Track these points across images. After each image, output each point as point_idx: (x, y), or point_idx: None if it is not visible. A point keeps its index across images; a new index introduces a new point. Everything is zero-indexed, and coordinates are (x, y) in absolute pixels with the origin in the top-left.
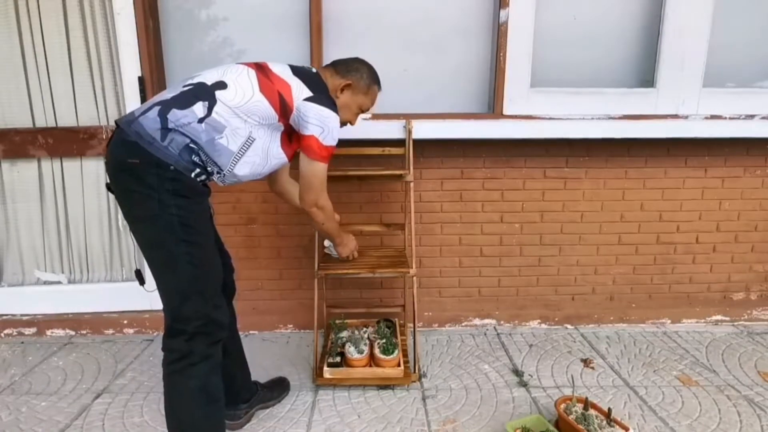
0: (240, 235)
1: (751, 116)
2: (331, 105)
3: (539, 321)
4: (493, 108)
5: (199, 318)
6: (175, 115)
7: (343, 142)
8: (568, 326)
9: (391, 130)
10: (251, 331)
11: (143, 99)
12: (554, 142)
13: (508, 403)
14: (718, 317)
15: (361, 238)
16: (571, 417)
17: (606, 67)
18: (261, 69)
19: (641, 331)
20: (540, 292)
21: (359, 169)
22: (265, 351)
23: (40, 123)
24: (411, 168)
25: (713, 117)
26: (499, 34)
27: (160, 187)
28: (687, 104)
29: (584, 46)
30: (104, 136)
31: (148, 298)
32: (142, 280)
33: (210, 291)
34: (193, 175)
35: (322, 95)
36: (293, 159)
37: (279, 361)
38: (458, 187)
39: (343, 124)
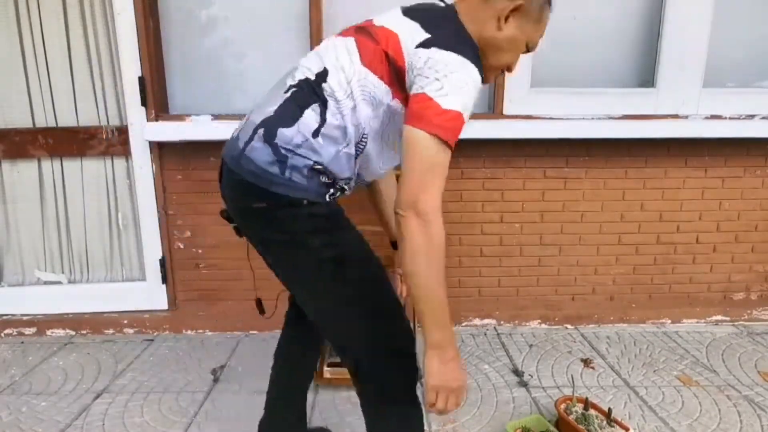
0: None
1: (751, 116)
2: (462, 46)
3: (539, 321)
4: (493, 108)
5: (400, 354)
6: (284, 137)
7: None
8: (568, 326)
9: None
10: (251, 331)
11: (143, 99)
12: (554, 142)
13: (508, 403)
14: (719, 317)
15: None
16: (572, 417)
17: (606, 67)
18: (362, 30)
19: (641, 331)
20: (540, 292)
21: None
22: (265, 351)
23: (40, 123)
24: None
25: (713, 117)
26: None
27: (300, 231)
28: (687, 104)
29: (584, 46)
30: (104, 137)
31: (148, 297)
32: (262, 310)
33: (402, 319)
34: (327, 198)
35: (445, 32)
36: None
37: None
38: (458, 187)
39: (491, 73)
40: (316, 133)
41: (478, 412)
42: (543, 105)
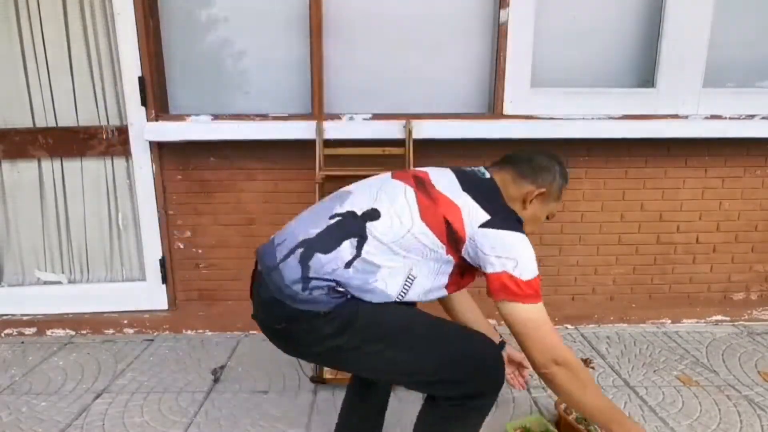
0: (240, 235)
1: (751, 116)
2: (515, 224)
3: None
4: (493, 108)
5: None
6: (319, 262)
7: (343, 143)
8: (568, 326)
9: (391, 130)
10: (251, 331)
11: (143, 99)
12: (554, 142)
13: (508, 403)
14: (718, 317)
15: None
16: (571, 417)
17: (606, 67)
18: (421, 185)
19: (641, 331)
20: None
21: (359, 169)
22: (265, 351)
23: (40, 123)
24: (411, 168)
25: (713, 117)
26: (499, 34)
27: (324, 340)
28: (687, 104)
29: (584, 46)
30: (104, 137)
31: (148, 297)
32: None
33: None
34: (347, 298)
35: (502, 214)
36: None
37: (278, 361)
38: None
39: None
40: (348, 264)
41: None
42: (543, 105)
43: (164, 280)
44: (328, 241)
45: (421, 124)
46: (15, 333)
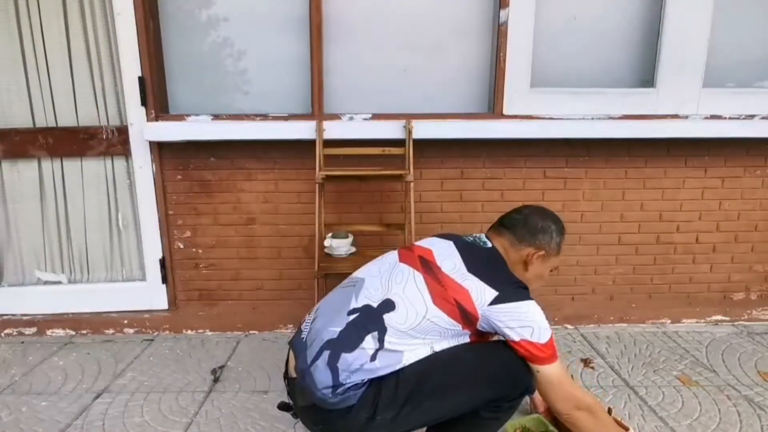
0: (240, 235)
1: (751, 116)
2: (523, 292)
3: None
4: (493, 108)
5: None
6: (346, 362)
7: (343, 143)
8: (568, 326)
9: (391, 130)
10: (251, 331)
11: (143, 99)
12: (554, 142)
13: None
14: (718, 317)
15: (361, 238)
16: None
17: (606, 67)
18: (428, 269)
19: (641, 331)
20: (540, 292)
21: (359, 169)
22: (265, 351)
23: (41, 123)
24: (411, 168)
25: (713, 117)
26: (499, 34)
27: (363, 425)
28: (687, 104)
29: (584, 46)
30: (104, 137)
31: (148, 297)
32: (288, 409)
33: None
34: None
35: (509, 286)
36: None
37: (279, 361)
38: (458, 187)
39: None
40: (373, 357)
41: None
42: (543, 105)
43: (164, 280)
44: (351, 338)
45: (421, 124)
46: (15, 333)
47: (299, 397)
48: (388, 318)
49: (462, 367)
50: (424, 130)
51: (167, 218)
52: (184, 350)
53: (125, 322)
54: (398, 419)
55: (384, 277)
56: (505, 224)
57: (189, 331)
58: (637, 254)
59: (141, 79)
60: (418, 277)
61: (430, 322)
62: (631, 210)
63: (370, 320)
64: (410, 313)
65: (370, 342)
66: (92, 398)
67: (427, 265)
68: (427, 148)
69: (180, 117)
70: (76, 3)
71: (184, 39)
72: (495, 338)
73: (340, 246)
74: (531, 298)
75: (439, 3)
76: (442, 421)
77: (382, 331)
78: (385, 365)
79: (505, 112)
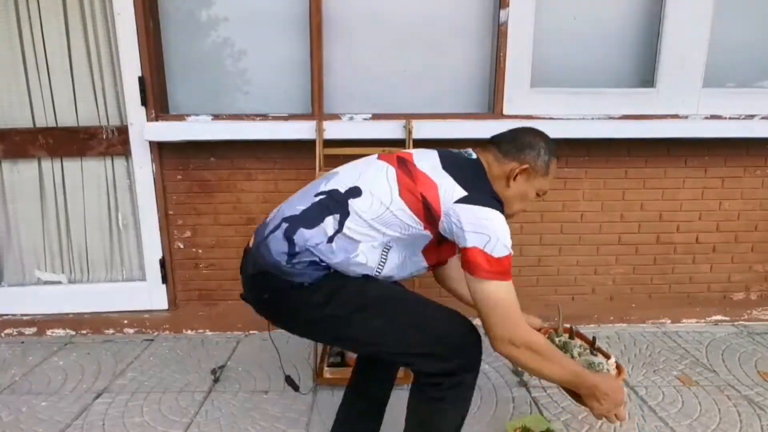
0: (240, 235)
1: (751, 116)
2: (492, 201)
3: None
4: (493, 108)
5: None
6: (303, 237)
7: (343, 143)
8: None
9: (391, 130)
10: (251, 331)
11: (143, 99)
12: (554, 142)
13: (508, 402)
14: (718, 317)
15: None
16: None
17: (606, 67)
18: (403, 165)
19: (641, 331)
20: (540, 292)
21: None
22: (265, 351)
23: (41, 123)
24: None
25: (713, 117)
26: (499, 34)
27: (310, 309)
28: (687, 104)
29: (584, 46)
30: (104, 137)
31: (148, 297)
32: (295, 387)
33: (436, 327)
34: (326, 272)
35: (479, 191)
36: (437, 263)
37: (279, 362)
38: None
39: (509, 216)
40: (330, 239)
41: (478, 411)
42: (543, 105)
43: (164, 280)
44: (312, 216)
45: (421, 124)
46: (15, 333)
47: (250, 266)
48: (353, 203)
49: (424, 311)
50: (424, 130)
51: (167, 218)
52: (184, 350)
53: (125, 322)
54: (344, 321)
55: (358, 170)
56: (493, 140)
57: (189, 331)
58: (637, 254)
59: (141, 79)
60: (391, 170)
61: (393, 215)
62: (631, 210)
63: (335, 202)
64: (375, 203)
65: (330, 223)
66: (92, 398)
67: (403, 162)
68: (427, 148)
69: (180, 117)
70: (76, 3)
71: (184, 39)
72: (455, 258)
73: None
74: (501, 211)
75: (439, 3)
76: (376, 352)
77: (344, 214)
78: (339, 250)
79: (505, 112)
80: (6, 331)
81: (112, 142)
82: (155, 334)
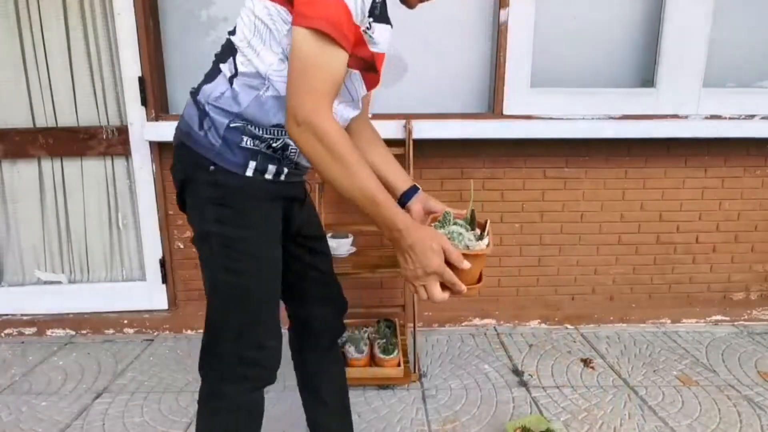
0: None
1: (751, 116)
2: None
3: (539, 321)
4: (493, 108)
5: (231, 358)
6: (205, 92)
7: None
8: (568, 326)
9: (391, 130)
10: None
11: (143, 99)
12: (554, 142)
13: (508, 402)
14: (718, 317)
15: (361, 238)
16: None
17: (606, 67)
18: None
19: (641, 331)
20: (540, 292)
21: None
22: None
23: (41, 123)
24: (411, 168)
25: (713, 117)
26: (499, 34)
27: (199, 194)
28: (687, 104)
29: (584, 46)
30: (104, 136)
31: (148, 297)
32: None
33: (253, 329)
34: (250, 172)
35: None
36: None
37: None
38: (458, 187)
39: None
40: (231, 82)
41: (478, 411)
42: (543, 105)
43: (164, 280)
44: (211, 71)
45: (421, 124)
46: (15, 333)
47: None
48: (234, 39)
49: (256, 292)
50: (424, 130)
51: (167, 218)
52: (184, 350)
53: (125, 322)
54: (228, 240)
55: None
56: None
57: (189, 331)
58: (637, 254)
59: (141, 79)
60: None
61: (260, 20)
62: (631, 210)
63: (226, 49)
64: (243, 17)
65: (226, 68)
66: (92, 398)
67: None
68: (427, 148)
69: (180, 117)
70: (76, 3)
71: (184, 39)
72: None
73: (340, 246)
74: None
75: (439, 3)
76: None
77: (234, 53)
78: (246, 90)
79: (505, 112)
80: (6, 331)
81: (112, 142)
82: (155, 334)
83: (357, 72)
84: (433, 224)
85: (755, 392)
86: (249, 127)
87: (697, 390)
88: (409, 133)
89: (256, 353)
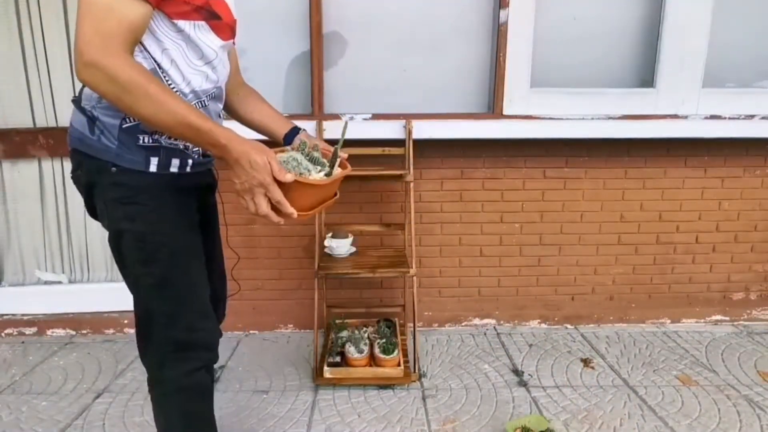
0: (240, 235)
1: (751, 116)
2: None
3: (539, 321)
4: (493, 108)
5: (166, 345)
6: (87, 97)
7: (343, 143)
8: (568, 326)
9: (391, 130)
10: (251, 331)
11: None
12: (554, 142)
13: (508, 402)
14: (718, 317)
15: (361, 238)
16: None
17: (606, 67)
18: None
19: (641, 331)
20: (540, 292)
21: (359, 169)
22: (265, 351)
23: (41, 123)
24: (411, 168)
25: (713, 117)
26: (498, 35)
27: (105, 197)
28: (687, 104)
29: (584, 46)
30: None
31: None
32: None
33: (181, 315)
34: (153, 168)
35: None
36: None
37: (279, 361)
38: (458, 187)
39: None
40: None
41: (478, 411)
42: (543, 105)
43: None
44: None
45: (421, 124)
46: (15, 333)
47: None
48: None
49: (179, 284)
50: (424, 130)
51: None
52: None
53: (125, 321)
54: (144, 239)
55: None
56: None
57: None
58: (636, 254)
59: None
60: None
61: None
62: (631, 210)
63: None
64: None
65: None
66: (92, 398)
67: None
68: (427, 148)
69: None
70: (76, 3)
71: None
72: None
73: (341, 246)
74: None
75: (438, 3)
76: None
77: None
78: None
79: (505, 112)
80: (6, 331)
81: None
82: None
83: (203, 22)
84: (278, 153)
85: (755, 392)
86: (142, 125)
87: (697, 390)
88: (409, 133)
89: (188, 335)
